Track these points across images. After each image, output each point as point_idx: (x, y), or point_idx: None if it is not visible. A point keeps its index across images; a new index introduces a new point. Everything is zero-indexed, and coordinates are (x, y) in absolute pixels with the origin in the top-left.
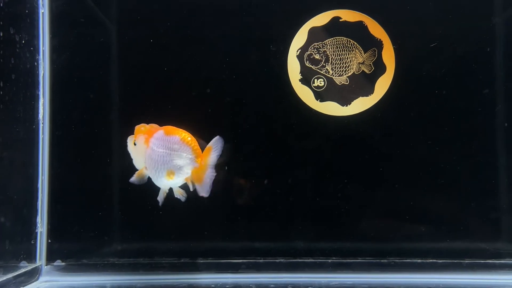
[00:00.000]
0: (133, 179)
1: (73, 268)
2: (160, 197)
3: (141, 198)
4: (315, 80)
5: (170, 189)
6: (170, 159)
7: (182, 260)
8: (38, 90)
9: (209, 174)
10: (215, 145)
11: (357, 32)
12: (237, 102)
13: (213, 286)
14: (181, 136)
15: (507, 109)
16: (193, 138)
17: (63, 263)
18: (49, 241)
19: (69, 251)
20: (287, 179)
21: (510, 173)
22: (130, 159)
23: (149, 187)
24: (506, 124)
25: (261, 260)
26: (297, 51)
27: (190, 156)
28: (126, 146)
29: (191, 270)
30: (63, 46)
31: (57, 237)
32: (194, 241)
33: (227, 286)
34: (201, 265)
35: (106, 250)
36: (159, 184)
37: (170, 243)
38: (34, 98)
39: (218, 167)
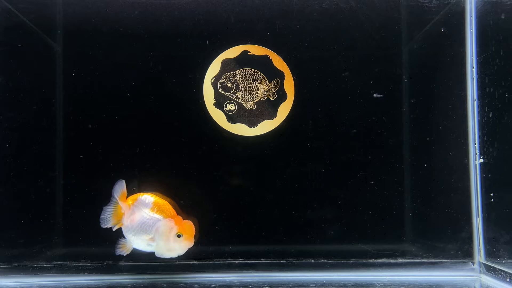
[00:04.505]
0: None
1: (4, 271)
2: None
3: (68, 208)
4: (227, 104)
5: None
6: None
7: (106, 263)
8: None
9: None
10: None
11: (263, 65)
12: (159, 122)
13: (129, 286)
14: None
15: (409, 129)
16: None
17: None
18: None
19: (1, 255)
20: (200, 192)
21: (398, 182)
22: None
23: (73, 199)
24: (410, 140)
25: (176, 263)
26: (212, 79)
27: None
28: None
29: (114, 271)
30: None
31: None
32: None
33: (143, 285)
34: (122, 267)
35: (36, 255)
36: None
37: (94, 248)
38: None
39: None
